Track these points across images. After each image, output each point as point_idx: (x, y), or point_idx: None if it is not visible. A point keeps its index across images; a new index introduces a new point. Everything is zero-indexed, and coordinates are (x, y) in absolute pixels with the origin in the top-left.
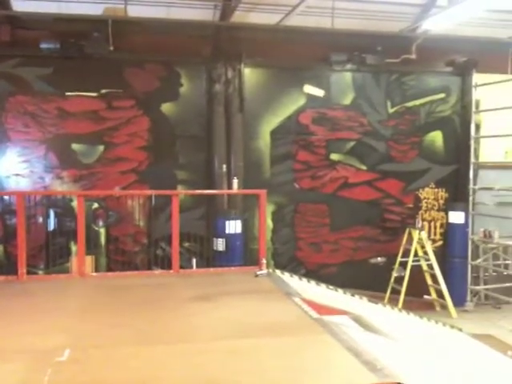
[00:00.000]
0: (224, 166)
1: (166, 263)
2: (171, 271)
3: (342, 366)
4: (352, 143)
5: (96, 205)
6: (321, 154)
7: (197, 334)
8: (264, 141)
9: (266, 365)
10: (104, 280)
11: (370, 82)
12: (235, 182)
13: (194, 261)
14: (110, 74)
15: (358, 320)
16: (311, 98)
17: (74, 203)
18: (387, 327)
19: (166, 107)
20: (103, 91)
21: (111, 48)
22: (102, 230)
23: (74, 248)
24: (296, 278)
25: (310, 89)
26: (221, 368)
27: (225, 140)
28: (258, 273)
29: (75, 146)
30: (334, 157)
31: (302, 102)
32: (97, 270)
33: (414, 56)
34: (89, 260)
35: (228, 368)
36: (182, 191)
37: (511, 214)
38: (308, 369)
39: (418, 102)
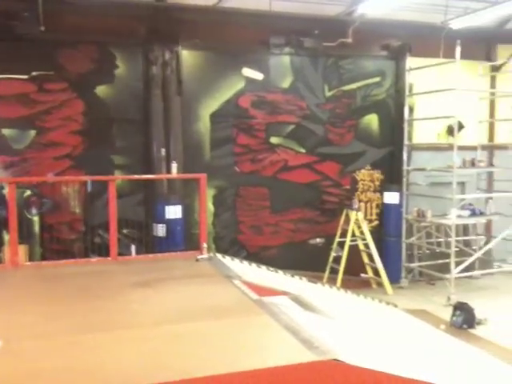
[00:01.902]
0: (163, 150)
1: (103, 251)
2: (109, 258)
3: (280, 344)
4: (291, 127)
5: (28, 192)
6: (261, 137)
7: (138, 320)
8: (204, 124)
9: (206, 347)
10: (39, 270)
11: (308, 65)
12: (174, 166)
13: (133, 247)
14: (42, 55)
15: (297, 300)
16: (250, 81)
17: (5, 191)
18: (325, 306)
19: (101, 90)
20: (34, 73)
21: (42, 28)
22: (36, 218)
23: (6, 237)
24: (237, 261)
25: (248, 72)
26: (164, 353)
27: (163, 123)
28: (199, 257)
29: (5, 131)
30: (274, 140)
31: (241, 85)
32: (31, 259)
33: (350, 40)
34: (22, 249)
35: (171, 352)
36: (118, 176)
37: (443, 194)
38: (247, 349)
39: (354, 86)
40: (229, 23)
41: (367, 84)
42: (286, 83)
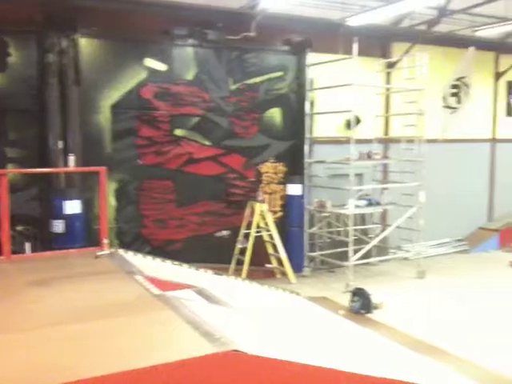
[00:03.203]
0: (60, 143)
1: None
2: (2, 257)
3: (181, 339)
4: (196, 119)
5: None
6: (165, 129)
7: (33, 320)
8: (104, 115)
9: (105, 346)
10: None
11: (212, 58)
12: (72, 158)
13: (28, 245)
14: None
15: (201, 293)
16: (153, 72)
17: None
18: (230, 297)
19: None
20: None
21: None
22: None
23: None
24: (140, 256)
25: (151, 62)
26: (59, 354)
27: (60, 114)
28: (99, 254)
29: None
30: (178, 132)
31: (143, 75)
32: None
33: (253, 34)
34: None
35: (66, 353)
36: (10, 170)
37: (342, 185)
38: (146, 346)
39: (257, 80)
40: (131, 12)
41: (270, 78)
42: (189, 75)
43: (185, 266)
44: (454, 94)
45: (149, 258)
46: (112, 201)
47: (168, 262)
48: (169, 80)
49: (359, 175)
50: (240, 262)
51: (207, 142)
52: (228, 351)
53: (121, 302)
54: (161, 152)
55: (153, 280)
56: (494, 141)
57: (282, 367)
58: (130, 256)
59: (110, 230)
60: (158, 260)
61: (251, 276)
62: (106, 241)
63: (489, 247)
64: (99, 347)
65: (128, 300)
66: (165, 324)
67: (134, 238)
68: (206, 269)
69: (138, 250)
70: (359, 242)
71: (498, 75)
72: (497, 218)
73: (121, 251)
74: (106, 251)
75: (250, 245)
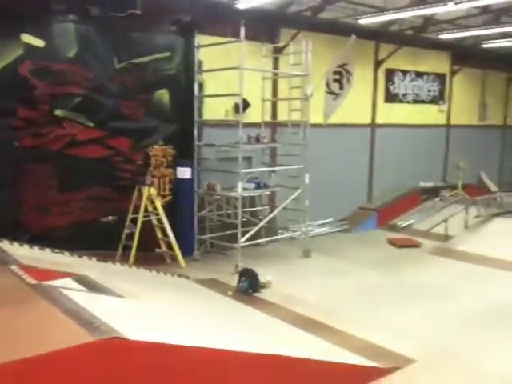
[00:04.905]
0: None
1: None
2: None
3: (58, 329)
4: (78, 99)
5: None
6: (44, 109)
7: None
8: None
9: None
10: None
11: (96, 35)
12: None
13: None
14: None
15: (82, 281)
16: (30, 48)
17: None
18: (115, 284)
19: None
20: None
21: None
22: None
23: None
24: (16, 244)
25: (28, 38)
26: None
27: None
28: None
29: None
30: (59, 113)
31: (19, 52)
32: None
33: (139, 12)
34: None
35: None
36: None
37: (231, 168)
38: (23, 337)
39: (144, 60)
40: None
41: (158, 58)
42: (71, 52)
43: (66, 254)
44: (336, 81)
45: (26, 247)
46: None
47: (47, 250)
48: (48, 57)
49: (248, 158)
50: (128, 248)
51: (91, 124)
52: (108, 338)
53: None
54: (40, 134)
55: (29, 270)
56: (373, 126)
57: (165, 351)
58: (6, 245)
59: None
60: (37, 248)
61: (140, 262)
62: None
63: (368, 226)
64: None
65: (2, 291)
66: (42, 314)
67: (10, 226)
68: (90, 256)
69: (15, 238)
70: (249, 223)
71: (378, 63)
72: (375, 198)
73: None
74: None
75: (137, 230)
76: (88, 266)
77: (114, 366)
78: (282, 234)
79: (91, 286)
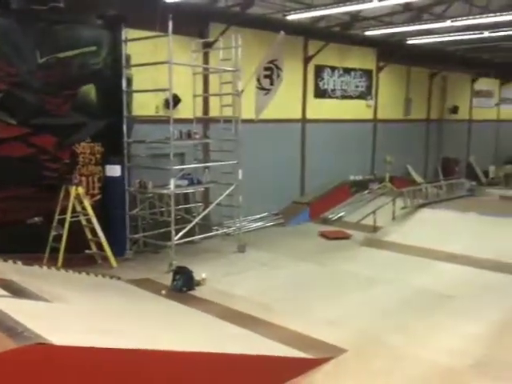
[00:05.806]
0: None
1: None
2: None
3: None
4: None
5: None
6: None
7: None
8: None
9: None
10: None
11: (17, 29)
12: None
13: None
14: None
15: (6, 286)
16: None
17: None
18: (40, 288)
19: None
20: None
21: None
22: None
23: None
24: None
25: None
26: None
27: None
28: None
29: None
30: None
31: None
32: None
33: (62, 4)
34: None
35: None
36: None
37: (163, 165)
38: None
39: (69, 54)
40: None
41: (83, 52)
42: None
43: None
44: (267, 76)
45: None
46: None
47: None
48: None
49: (180, 155)
50: (55, 250)
51: (13, 121)
52: (31, 345)
53: None
54: None
55: None
56: (304, 121)
57: (92, 355)
58: None
59: None
60: None
61: (69, 264)
62: None
63: (301, 219)
64: None
65: None
66: None
67: None
68: (15, 260)
69: None
70: (183, 221)
71: (307, 59)
72: (307, 192)
73: None
74: None
75: (65, 231)
76: (13, 270)
77: (39, 372)
78: (216, 230)
79: (15, 291)
